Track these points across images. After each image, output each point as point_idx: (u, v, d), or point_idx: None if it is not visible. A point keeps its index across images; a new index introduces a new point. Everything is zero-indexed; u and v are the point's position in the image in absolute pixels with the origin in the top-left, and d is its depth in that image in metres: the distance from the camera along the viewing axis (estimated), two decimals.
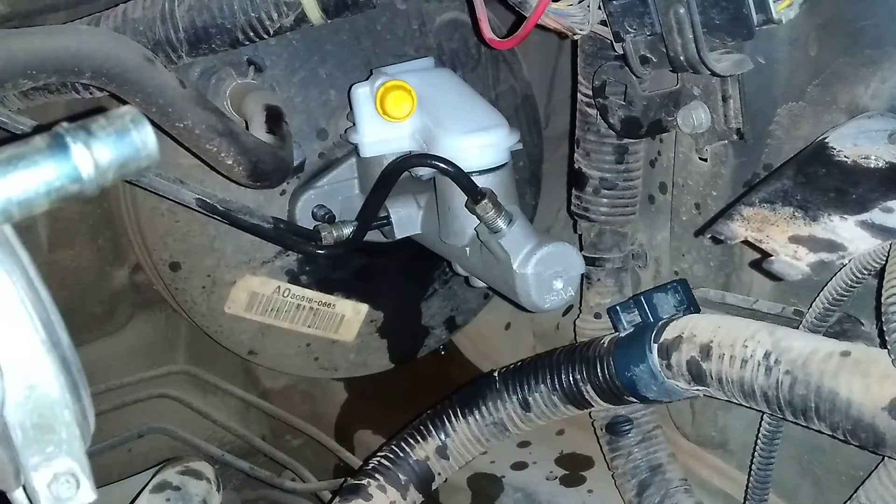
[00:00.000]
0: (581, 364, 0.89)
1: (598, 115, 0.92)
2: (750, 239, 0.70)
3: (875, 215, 0.66)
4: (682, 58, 0.75)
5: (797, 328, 0.79)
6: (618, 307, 0.88)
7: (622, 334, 0.88)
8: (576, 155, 0.98)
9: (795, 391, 0.71)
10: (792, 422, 0.75)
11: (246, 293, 1.06)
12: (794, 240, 0.67)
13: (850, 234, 0.66)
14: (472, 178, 0.87)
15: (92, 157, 0.39)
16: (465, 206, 0.88)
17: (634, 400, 0.87)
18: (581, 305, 1.03)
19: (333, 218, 1.01)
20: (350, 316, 1.15)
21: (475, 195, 0.86)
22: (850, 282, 0.74)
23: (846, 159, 0.69)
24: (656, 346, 0.83)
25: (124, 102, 0.78)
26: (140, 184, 0.85)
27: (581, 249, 0.99)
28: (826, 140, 0.72)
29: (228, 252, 1.04)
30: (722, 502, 0.98)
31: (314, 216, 1.02)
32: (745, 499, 0.87)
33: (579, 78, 0.94)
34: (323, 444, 1.25)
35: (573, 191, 0.99)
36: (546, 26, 0.83)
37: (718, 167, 0.87)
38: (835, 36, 0.76)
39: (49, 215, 1.04)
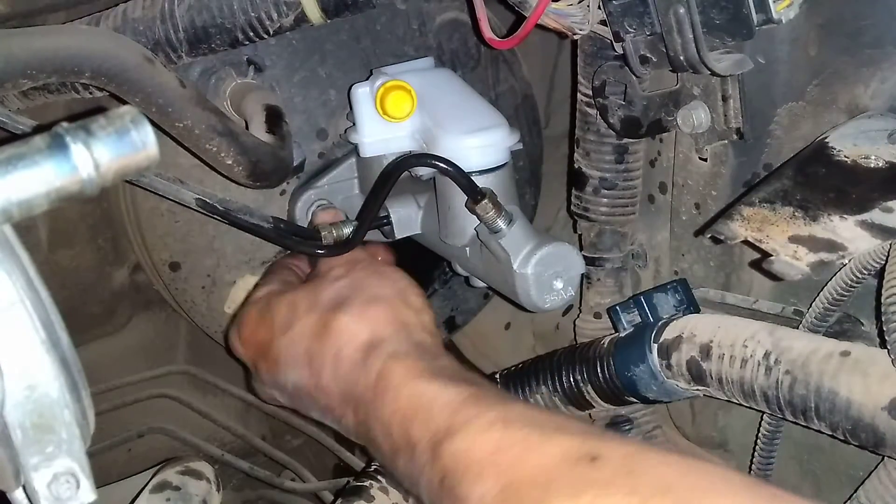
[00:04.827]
0: (581, 365, 0.89)
1: (598, 115, 0.92)
2: (750, 239, 0.70)
3: (875, 215, 0.66)
4: (682, 58, 0.75)
5: (797, 328, 0.80)
6: (618, 307, 0.88)
7: (622, 334, 0.88)
8: (576, 155, 0.98)
9: (795, 391, 0.72)
10: (792, 422, 0.75)
11: (246, 293, 1.06)
12: (794, 240, 0.68)
13: (850, 234, 0.66)
14: (472, 178, 0.87)
15: (92, 157, 0.39)
16: (465, 206, 0.88)
17: (635, 400, 0.87)
18: (581, 305, 1.03)
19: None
20: None
21: (475, 195, 0.86)
22: (850, 282, 0.75)
23: (846, 159, 0.69)
24: (656, 346, 0.83)
25: (124, 102, 0.78)
26: (140, 184, 0.85)
27: (581, 249, 1.00)
28: (826, 140, 0.72)
29: (228, 252, 1.03)
30: None
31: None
32: None
33: (579, 78, 0.94)
34: (323, 444, 1.25)
35: (573, 191, 0.99)
36: (546, 26, 0.83)
37: (718, 167, 0.87)
38: (835, 36, 0.76)
39: (49, 215, 1.04)
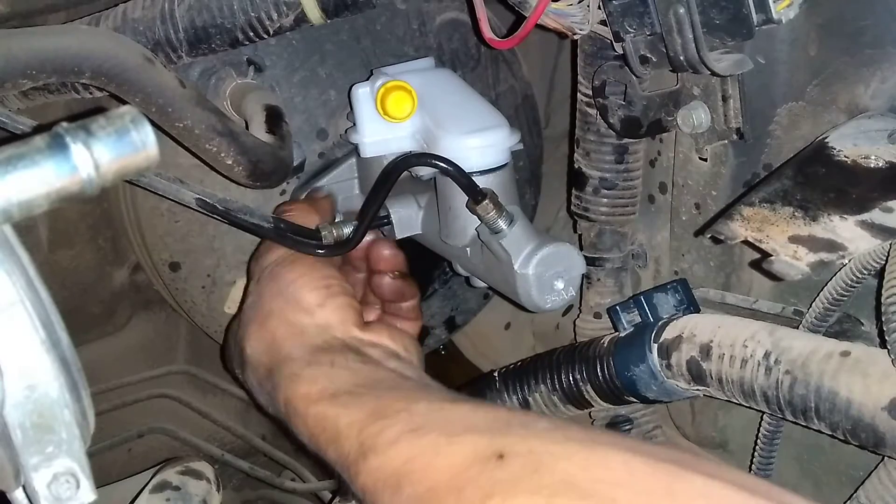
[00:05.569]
0: (581, 364, 0.89)
1: (598, 115, 0.92)
2: (750, 239, 0.70)
3: (875, 215, 0.66)
4: (682, 58, 0.75)
5: (797, 328, 0.80)
6: (618, 307, 0.88)
7: (622, 334, 0.88)
8: (576, 155, 0.98)
9: (795, 391, 0.72)
10: (792, 422, 0.75)
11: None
12: (794, 240, 0.68)
13: (850, 234, 0.66)
14: (473, 178, 0.87)
15: (92, 157, 0.39)
16: (466, 206, 0.88)
17: (634, 400, 0.87)
18: (581, 305, 1.03)
19: (333, 218, 1.01)
20: None
21: (476, 195, 0.86)
22: (850, 282, 0.75)
23: (846, 159, 0.69)
24: (656, 345, 0.83)
25: (124, 102, 0.78)
26: (140, 184, 0.85)
27: (581, 249, 1.00)
28: (826, 140, 0.72)
29: (228, 252, 1.03)
30: None
31: None
32: None
33: (579, 78, 0.94)
34: None
35: (573, 191, 0.99)
36: (546, 26, 0.83)
37: (718, 167, 0.87)
38: (835, 36, 0.76)
39: (49, 215, 1.04)
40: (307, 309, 0.79)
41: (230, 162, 0.84)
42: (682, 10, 0.73)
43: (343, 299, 0.81)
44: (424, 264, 1.16)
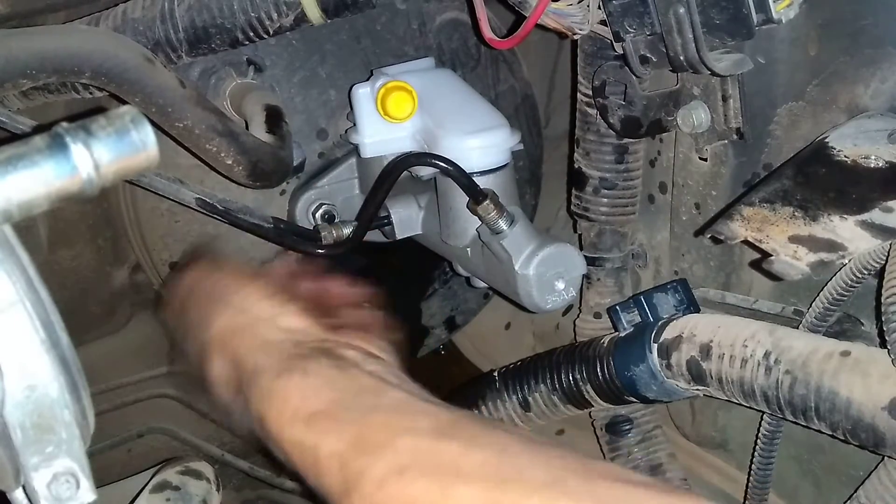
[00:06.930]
0: (581, 364, 0.89)
1: (598, 115, 0.92)
2: (750, 239, 0.70)
3: (875, 215, 0.66)
4: (681, 58, 0.75)
5: (797, 328, 0.80)
6: (618, 307, 0.88)
7: (622, 334, 0.88)
8: (576, 155, 0.98)
9: (795, 391, 0.72)
10: (792, 421, 0.75)
11: None
12: (794, 240, 0.68)
13: (850, 234, 0.66)
14: (474, 178, 0.87)
15: (92, 157, 0.39)
16: (467, 206, 0.88)
17: (634, 400, 0.87)
18: (581, 305, 1.03)
19: (333, 218, 1.01)
20: None
21: (476, 196, 0.86)
22: (850, 282, 0.75)
23: (846, 159, 0.69)
24: (656, 345, 0.83)
25: (124, 102, 0.78)
26: (140, 184, 0.85)
27: (581, 249, 1.00)
28: (826, 140, 0.72)
29: (228, 252, 1.03)
30: (722, 502, 0.98)
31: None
32: (745, 499, 0.87)
33: (579, 78, 0.94)
34: None
35: (573, 191, 0.99)
36: (546, 26, 0.83)
37: (718, 167, 0.87)
38: (835, 36, 0.76)
39: (49, 215, 1.04)
40: (265, 319, 0.70)
41: (230, 162, 0.84)
42: (682, 10, 0.73)
43: (299, 303, 0.71)
44: (424, 264, 1.16)
